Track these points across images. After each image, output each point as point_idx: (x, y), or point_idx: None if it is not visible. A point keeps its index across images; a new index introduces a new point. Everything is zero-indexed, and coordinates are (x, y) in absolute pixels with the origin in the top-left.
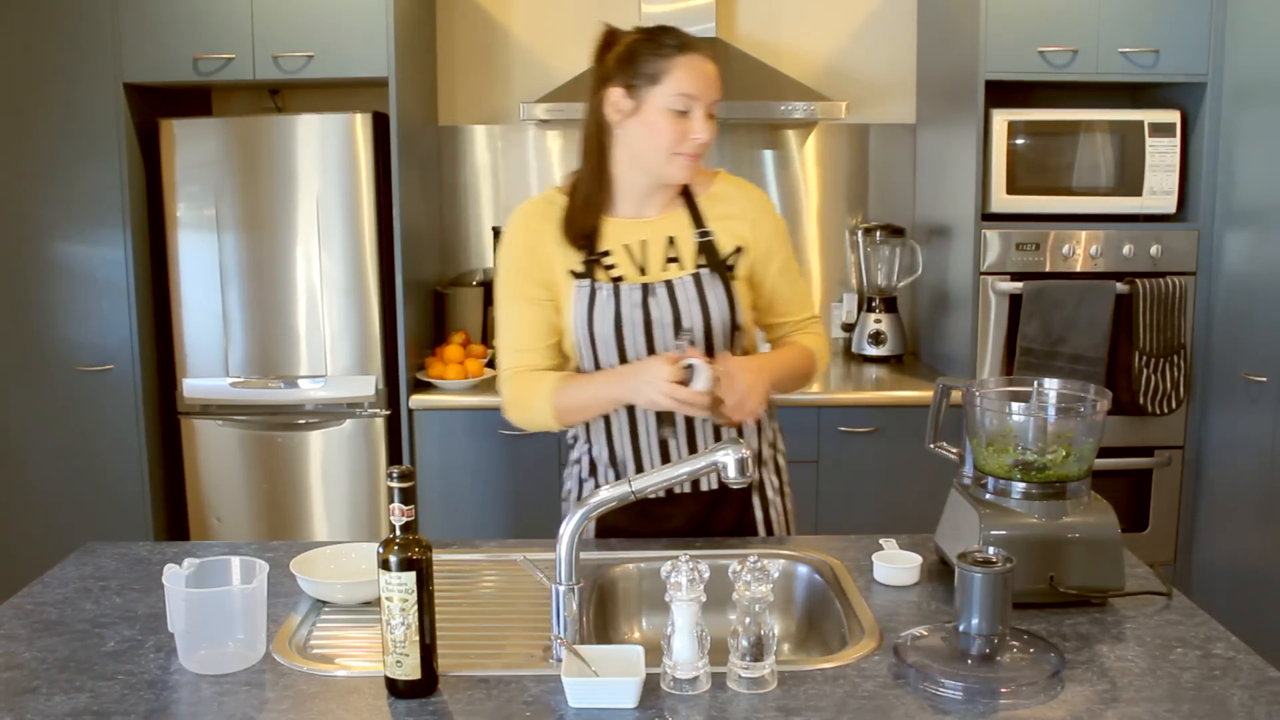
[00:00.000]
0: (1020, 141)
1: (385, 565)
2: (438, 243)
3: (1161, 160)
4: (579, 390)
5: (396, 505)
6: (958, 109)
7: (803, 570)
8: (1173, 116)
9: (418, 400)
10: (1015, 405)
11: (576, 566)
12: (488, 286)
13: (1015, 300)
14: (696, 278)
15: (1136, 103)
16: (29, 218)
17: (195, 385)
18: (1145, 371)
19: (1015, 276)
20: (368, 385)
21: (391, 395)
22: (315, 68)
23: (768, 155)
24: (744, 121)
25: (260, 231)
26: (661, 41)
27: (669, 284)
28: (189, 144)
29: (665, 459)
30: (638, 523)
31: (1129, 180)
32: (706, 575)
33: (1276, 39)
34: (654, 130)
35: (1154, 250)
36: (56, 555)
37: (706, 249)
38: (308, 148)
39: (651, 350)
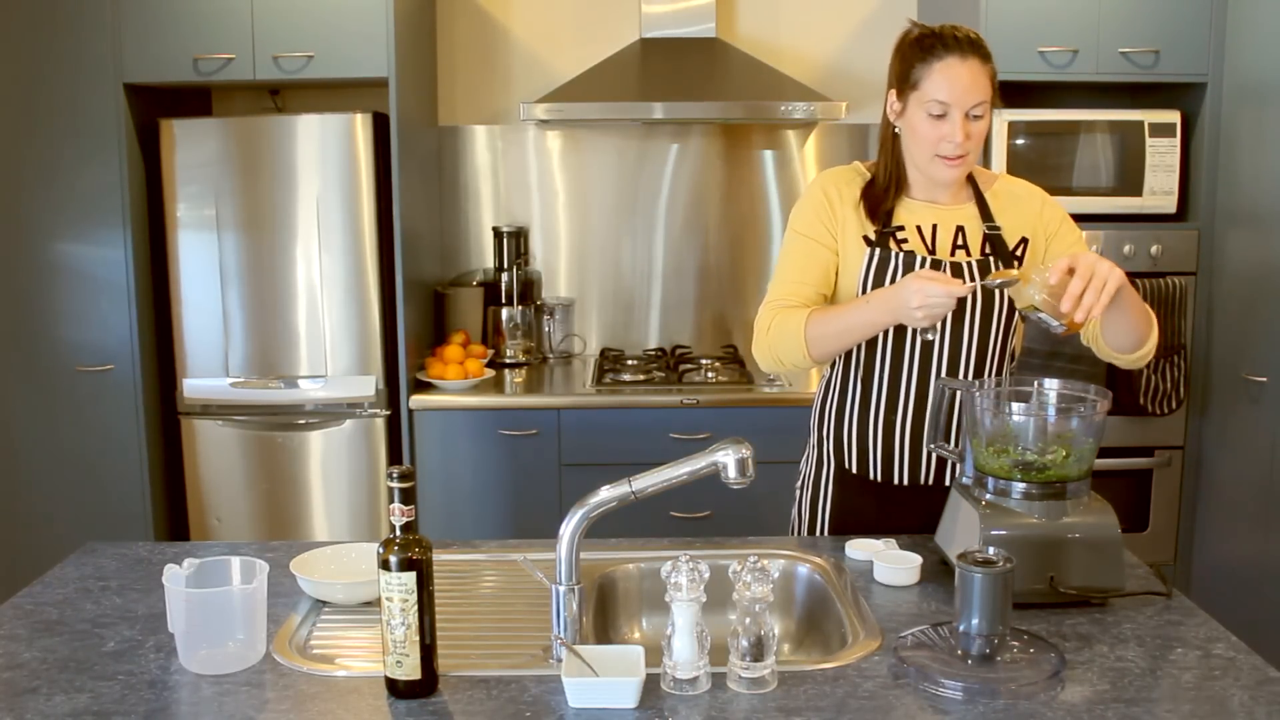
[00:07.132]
0: (1020, 142)
1: (385, 565)
2: (438, 243)
3: (1161, 160)
4: (834, 315)
5: (396, 505)
6: None
7: (803, 570)
8: (1173, 116)
9: (418, 400)
10: (1015, 405)
11: (577, 566)
12: (488, 287)
13: None
14: (984, 264)
15: (1136, 103)
16: (29, 218)
17: (195, 385)
18: (1145, 371)
19: None
20: (368, 385)
21: (391, 395)
22: (315, 68)
23: (768, 155)
24: (744, 121)
25: (260, 231)
26: (925, 46)
27: (956, 265)
28: (189, 144)
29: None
30: (883, 510)
31: (1129, 180)
32: (706, 575)
33: (1276, 39)
34: (915, 133)
35: (1154, 250)
36: (56, 555)
37: (994, 240)
38: (308, 148)
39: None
